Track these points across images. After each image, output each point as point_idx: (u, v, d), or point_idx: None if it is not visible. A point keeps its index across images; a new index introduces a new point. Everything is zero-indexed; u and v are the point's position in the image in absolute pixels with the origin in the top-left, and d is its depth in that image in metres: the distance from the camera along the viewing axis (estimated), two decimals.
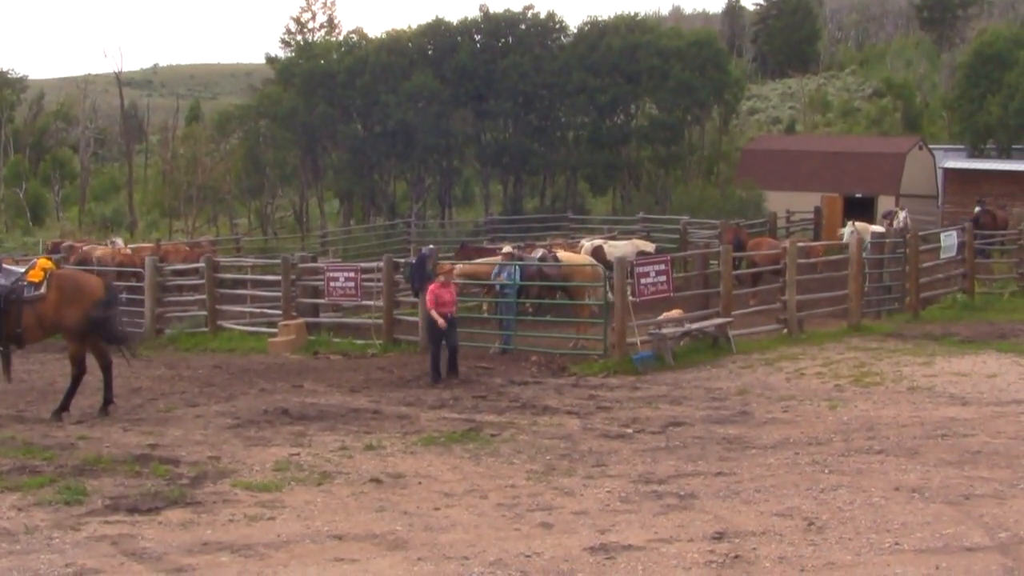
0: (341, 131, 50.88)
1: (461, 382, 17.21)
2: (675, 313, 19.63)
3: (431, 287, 17.74)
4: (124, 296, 28.08)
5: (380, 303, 21.98)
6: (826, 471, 10.54)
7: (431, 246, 23.62)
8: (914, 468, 10.52)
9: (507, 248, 22.44)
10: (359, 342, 21.87)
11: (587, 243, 29.08)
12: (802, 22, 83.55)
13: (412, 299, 21.71)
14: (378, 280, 22.19)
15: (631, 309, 18.89)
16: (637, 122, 52.91)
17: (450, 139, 50.58)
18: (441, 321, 17.36)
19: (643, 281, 19.38)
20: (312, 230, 51.72)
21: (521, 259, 22.06)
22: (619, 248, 27.98)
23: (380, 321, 21.90)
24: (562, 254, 23.24)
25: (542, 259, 22.24)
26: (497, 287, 21.28)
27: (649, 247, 28.85)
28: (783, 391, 15.58)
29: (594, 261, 23.69)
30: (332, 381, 17.64)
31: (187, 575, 7.73)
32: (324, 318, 23.89)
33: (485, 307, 22.77)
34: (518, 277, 20.98)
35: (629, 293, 18.97)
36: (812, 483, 10.02)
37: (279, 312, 23.45)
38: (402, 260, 23.05)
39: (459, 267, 22.73)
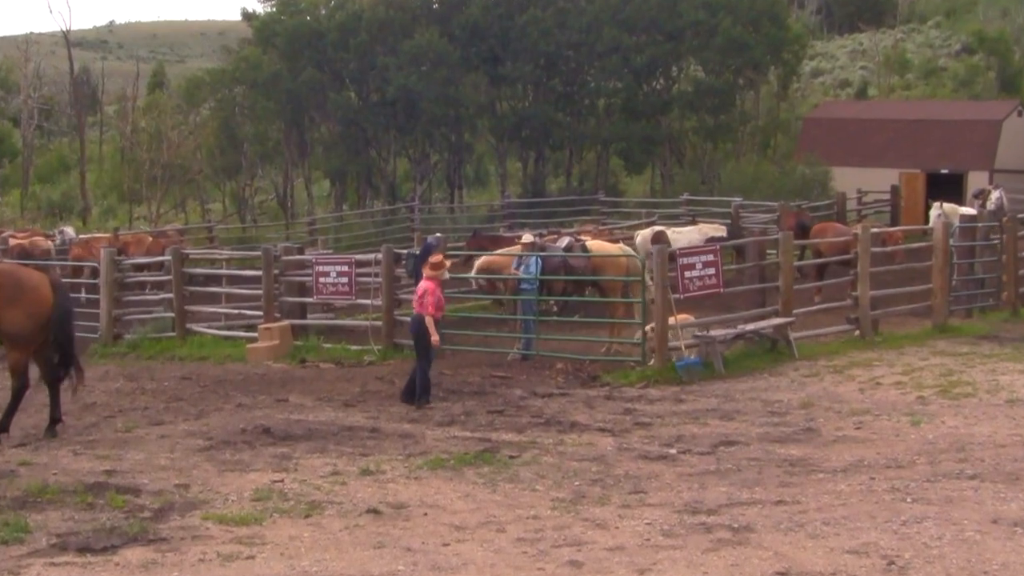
0: (332, 100, 50.94)
1: (474, 394, 17.14)
2: (681, 319, 19.33)
3: (429, 286, 16.80)
4: (82, 297, 28.29)
5: (378, 302, 21.95)
6: (908, 500, 10.45)
7: (438, 235, 23.65)
8: (1015, 496, 10.41)
9: (527, 237, 22.37)
10: (354, 348, 21.84)
11: (644, 230, 29.05)
12: None
13: None
14: (376, 275, 22.16)
15: (674, 308, 18.81)
16: (680, 87, 52.75)
17: (460, 109, 50.56)
18: (437, 337, 16.75)
19: (688, 275, 19.30)
20: (298, 216, 51.83)
21: (543, 249, 22.00)
22: (684, 234, 27.97)
23: (379, 323, 21.87)
24: (592, 243, 23.17)
25: (568, 249, 22.18)
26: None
27: (719, 231, 28.83)
28: (855, 404, 15.49)
29: (630, 251, 23.62)
30: (322, 394, 17.62)
31: None
32: (313, 319, 23.87)
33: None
34: (538, 270, 20.91)
35: (672, 289, 18.89)
36: (892, 514, 9.93)
37: (259, 313, 23.45)
38: (404, 251, 23.02)
39: (483, 259, 22.68)
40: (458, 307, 24.98)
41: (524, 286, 21.02)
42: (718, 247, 20.77)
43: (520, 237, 23.67)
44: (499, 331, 22.46)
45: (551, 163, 56.17)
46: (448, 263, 17.87)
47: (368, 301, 22.32)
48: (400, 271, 22.20)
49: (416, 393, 16.53)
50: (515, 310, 21.63)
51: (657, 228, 29.01)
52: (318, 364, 20.98)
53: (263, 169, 55.66)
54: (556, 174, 57.55)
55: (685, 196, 42.01)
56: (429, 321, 16.68)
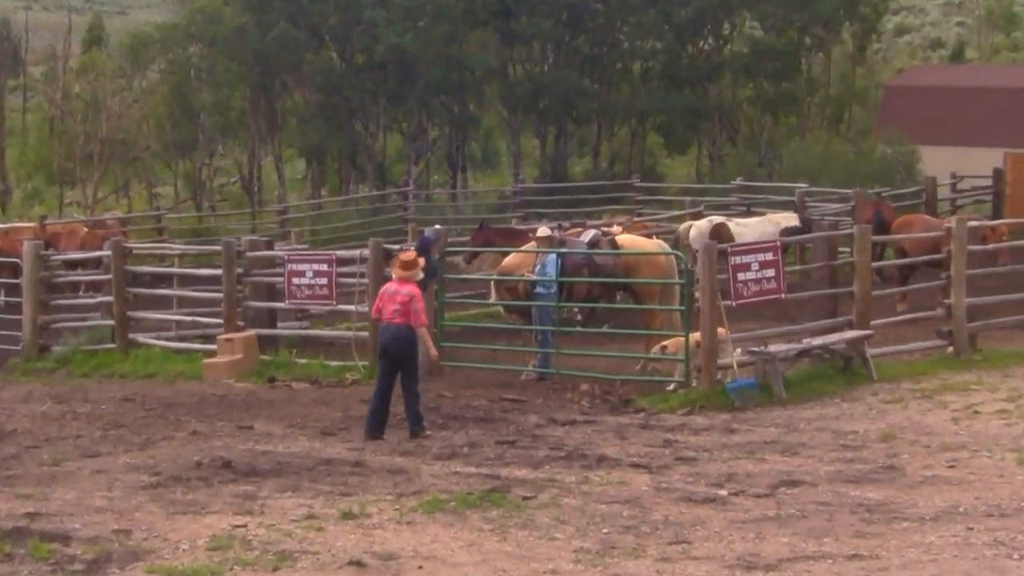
0: (308, 62, 50.92)
1: (480, 420, 17.15)
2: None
3: (417, 291, 16.80)
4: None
5: (364, 308, 21.94)
6: (1015, 556, 10.41)
7: (437, 227, 23.62)
8: None
9: (543, 230, 22.33)
10: (334, 364, 21.86)
11: (699, 221, 28.93)
12: None
13: None
14: (362, 275, 22.16)
15: (725, 317, 18.77)
16: (732, 48, 52.65)
17: (464, 73, 50.52)
18: (435, 353, 17.01)
19: (743, 277, 19.25)
20: (267, 203, 51.79)
21: (563, 245, 21.96)
22: (752, 227, 27.84)
23: (364, 334, 21.86)
24: (623, 238, 23.14)
25: (594, 245, 22.15)
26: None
27: (790, 220, 28.66)
28: (948, 437, 15.45)
29: (666, 247, 23.59)
30: (295, 420, 17.65)
31: None
32: (284, 329, 23.87)
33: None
34: (557, 271, 20.85)
35: (724, 294, 18.86)
36: (994, 573, 9.91)
37: (219, 321, 23.46)
38: (396, 247, 22.98)
39: (509, 259, 22.61)
40: (460, 315, 24.97)
41: (540, 290, 20.97)
42: (778, 244, 20.72)
43: (535, 231, 23.60)
44: (510, 344, 22.41)
45: (575, 140, 56.08)
46: (421, 261, 17.73)
47: (352, 307, 22.30)
48: (391, 271, 22.18)
49: (409, 421, 16.54)
50: (529, 319, 21.60)
51: (716, 219, 28.82)
52: (290, 383, 21.02)
53: (224, 146, 55.59)
54: (581, 154, 57.46)
55: (738, 181, 41.87)
56: (425, 333, 16.71)
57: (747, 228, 27.82)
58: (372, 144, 53.49)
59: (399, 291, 16.69)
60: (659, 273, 21.36)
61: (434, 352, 17.01)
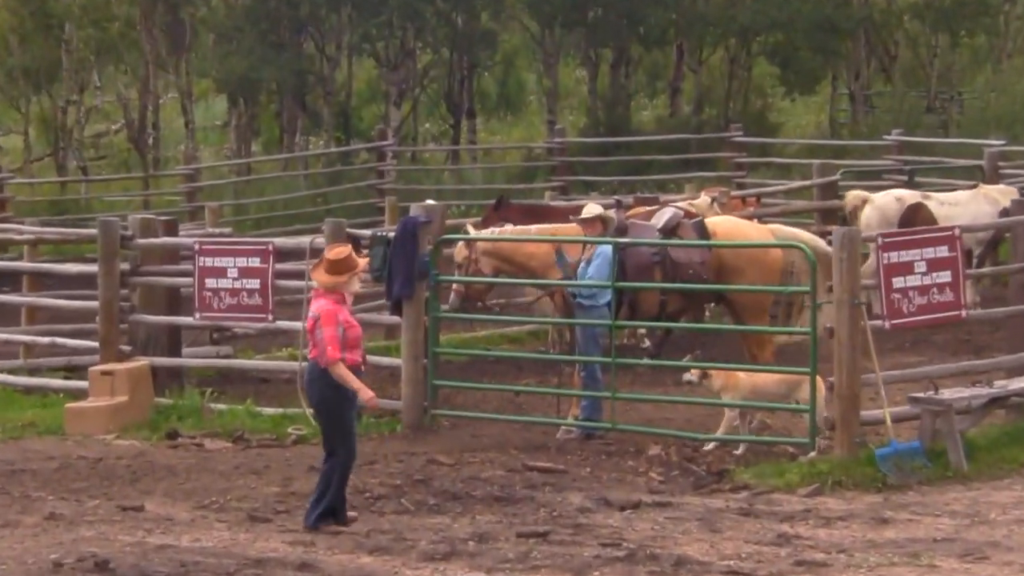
0: None
1: (495, 501, 17.14)
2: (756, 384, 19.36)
3: (327, 309, 16.31)
4: None
5: None
6: None
7: (430, 202, 23.62)
8: None
9: (592, 208, 22.31)
10: (269, 411, 21.92)
11: (880, 196, 28.78)
12: None
13: (387, 317, 21.71)
14: (310, 279, 22.20)
15: (873, 346, 18.72)
16: None
17: None
18: (371, 393, 16.60)
19: (901, 284, 19.20)
20: (166, 164, 51.93)
21: (624, 232, 21.96)
22: (963, 206, 27.69)
23: None
24: (716, 222, 23.12)
25: (671, 232, 22.15)
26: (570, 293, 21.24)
27: (1009, 195, 28.46)
28: None
29: (777, 237, 23.58)
30: (209, 497, 17.67)
31: None
32: (192, 357, 23.92)
33: (552, 336, 22.78)
34: (613, 272, 20.83)
35: (869, 310, 18.84)
36: None
37: (91, 344, 23.53)
38: (367, 232, 23.05)
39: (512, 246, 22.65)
40: (464, 338, 25.03)
41: (586, 301, 20.94)
42: (957, 233, 20.59)
43: (580, 209, 23.58)
44: (540, 384, 22.43)
45: (642, 71, 56.20)
46: (362, 261, 17.53)
47: (298, 324, 22.31)
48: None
49: (311, 504, 16.24)
50: (571, 347, 21.61)
51: (906, 195, 28.62)
52: (202, 441, 21.08)
53: (102, 75, 55.79)
54: (651, 92, 57.57)
55: (894, 135, 41.84)
56: (342, 371, 16.34)
57: (956, 208, 27.45)
58: (330, 75, 53.65)
59: (313, 307, 16.53)
60: (773, 277, 21.35)
61: (367, 393, 16.55)
